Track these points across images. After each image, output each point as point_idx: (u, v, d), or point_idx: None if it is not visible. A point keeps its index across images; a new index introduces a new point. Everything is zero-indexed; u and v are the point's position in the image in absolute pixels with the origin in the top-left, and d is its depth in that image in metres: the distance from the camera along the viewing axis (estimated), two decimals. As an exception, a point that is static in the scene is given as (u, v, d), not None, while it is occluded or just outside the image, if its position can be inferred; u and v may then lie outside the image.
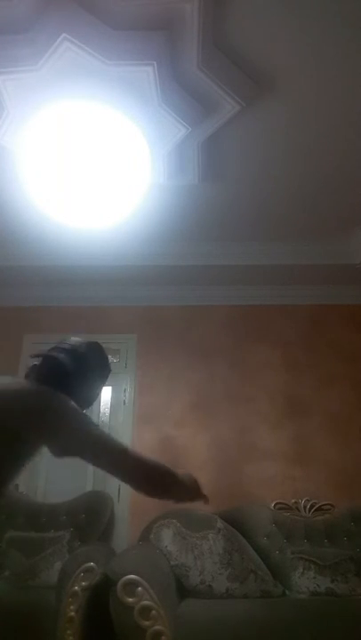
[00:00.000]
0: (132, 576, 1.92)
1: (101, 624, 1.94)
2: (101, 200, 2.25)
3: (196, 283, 3.71)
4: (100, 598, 1.96)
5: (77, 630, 1.94)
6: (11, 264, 3.47)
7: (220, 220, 3.16)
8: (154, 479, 1.38)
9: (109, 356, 3.81)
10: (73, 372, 1.47)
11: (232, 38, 1.91)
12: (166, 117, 2.20)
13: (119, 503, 3.12)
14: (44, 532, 2.78)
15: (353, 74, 2.06)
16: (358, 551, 2.63)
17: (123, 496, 3.16)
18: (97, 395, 1.56)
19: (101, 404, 3.51)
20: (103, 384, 1.59)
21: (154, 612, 1.86)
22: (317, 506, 2.99)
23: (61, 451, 1.33)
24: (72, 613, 1.97)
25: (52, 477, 3.25)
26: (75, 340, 1.64)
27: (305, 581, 2.44)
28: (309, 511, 2.98)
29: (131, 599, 1.87)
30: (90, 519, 2.86)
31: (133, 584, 1.90)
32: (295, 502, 3.02)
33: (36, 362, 1.49)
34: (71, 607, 1.98)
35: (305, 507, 3.00)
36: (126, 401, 3.51)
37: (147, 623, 1.83)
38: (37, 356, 1.50)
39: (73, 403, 1.34)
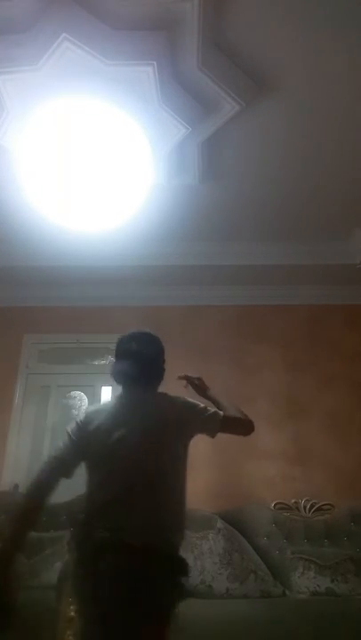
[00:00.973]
0: (132, 576, 1.91)
1: (101, 624, 1.94)
2: (102, 200, 2.25)
3: (196, 283, 3.71)
4: (100, 598, 1.95)
5: (77, 630, 1.94)
6: (11, 264, 3.47)
7: (220, 220, 3.16)
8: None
9: (109, 357, 3.81)
10: None
11: (232, 38, 1.91)
12: (166, 117, 2.20)
13: (119, 503, 3.12)
14: (44, 532, 2.77)
15: (353, 74, 2.07)
16: (358, 551, 2.63)
17: (123, 496, 3.15)
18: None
19: (101, 403, 3.51)
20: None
21: (154, 611, 1.85)
22: (317, 506, 2.99)
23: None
24: (72, 613, 1.97)
25: (52, 477, 3.24)
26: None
27: (305, 581, 2.44)
28: (309, 511, 2.98)
29: (131, 599, 1.87)
30: (90, 519, 2.86)
31: (133, 584, 1.90)
32: (295, 502, 3.02)
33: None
34: (71, 607, 1.98)
35: (305, 507, 2.99)
36: (126, 401, 3.50)
37: (147, 623, 1.82)
38: None
39: None
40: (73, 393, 3.56)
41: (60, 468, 1.61)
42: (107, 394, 3.54)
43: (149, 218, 3.04)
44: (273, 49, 1.96)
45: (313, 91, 2.15)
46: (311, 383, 3.50)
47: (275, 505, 2.97)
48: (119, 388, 1.70)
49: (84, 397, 3.54)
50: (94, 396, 3.53)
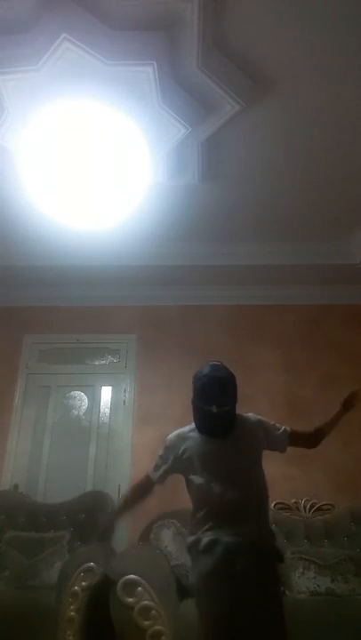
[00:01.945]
0: (132, 576, 1.92)
1: (101, 624, 1.94)
2: (101, 200, 2.25)
3: (196, 283, 3.71)
4: (100, 598, 1.96)
5: (77, 630, 1.94)
6: (11, 264, 3.47)
7: (220, 220, 3.16)
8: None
9: (109, 357, 3.81)
10: None
11: (232, 38, 1.91)
12: (166, 117, 2.20)
13: (119, 503, 3.12)
14: (44, 532, 2.78)
15: (353, 73, 2.06)
16: (358, 551, 2.63)
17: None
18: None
19: (101, 403, 3.51)
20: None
21: (154, 611, 1.86)
22: (317, 506, 2.99)
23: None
24: (72, 613, 1.97)
25: (51, 477, 3.25)
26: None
27: (305, 581, 2.43)
28: (309, 511, 2.98)
29: (131, 599, 1.87)
30: (90, 519, 2.86)
31: (133, 584, 1.90)
32: (295, 502, 3.02)
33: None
34: (71, 607, 1.98)
35: (305, 507, 3.00)
36: (126, 401, 3.51)
37: (147, 623, 1.83)
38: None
39: None
40: (73, 393, 3.56)
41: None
42: (106, 394, 3.54)
43: (149, 218, 3.04)
44: (273, 49, 1.96)
45: (313, 91, 2.15)
46: (311, 383, 3.50)
47: (275, 505, 2.96)
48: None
49: (84, 397, 3.54)
50: (94, 396, 3.53)
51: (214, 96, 2.13)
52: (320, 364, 3.55)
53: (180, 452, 1.79)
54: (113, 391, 3.56)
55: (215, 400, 1.72)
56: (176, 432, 1.88)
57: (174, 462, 1.80)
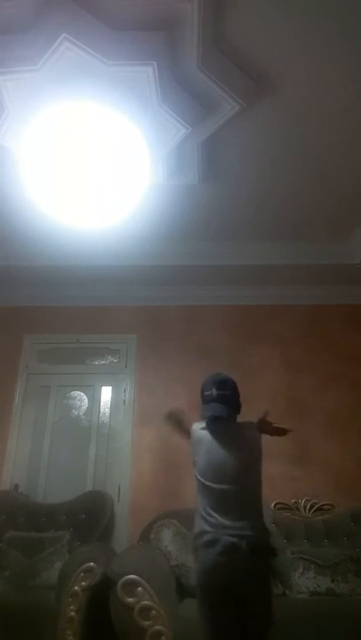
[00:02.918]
0: (132, 576, 1.92)
1: (101, 624, 1.94)
2: (101, 200, 2.25)
3: (196, 283, 3.71)
4: (100, 598, 1.96)
5: (77, 630, 1.94)
6: (11, 264, 3.47)
7: (219, 220, 3.16)
8: None
9: (109, 357, 3.82)
10: None
11: (232, 38, 1.91)
12: (166, 117, 2.20)
13: (119, 503, 3.12)
14: (44, 532, 2.78)
15: (353, 74, 2.06)
16: (358, 551, 2.63)
17: (123, 496, 3.16)
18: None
19: (101, 403, 3.51)
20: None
21: (154, 611, 1.86)
22: (317, 506, 2.99)
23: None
24: (72, 613, 1.97)
25: (52, 477, 3.25)
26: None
27: (305, 581, 2.44)
28: (309, 511, 2.98)
29: (131, 599, 1.87)
30: (90, 519, 2.86)
31: (133, 584, 1.90)
32: (295, 502, 3.02)
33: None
34: (71, 607, 1.98)
35: (305, 507, 3.00)
36: (126, 401, 3.51)
37: (147, 623, 1.83)
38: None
39: None
40: (73, 393, 3.56)
41: None
42: (106, 394, 3.55)
43: (149, 218, 3.04)
44: (273, 49, 1.96)
45: (313, 91, 2.15)
46: (311, 383, 3.50)
47: (275, 505, 2.97)
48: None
49: (84, 397, 3.54)
50: (94, 396, 3.54)
51: (214, 96, 2.13)
52: (320, 364, 3.55)
53: (192, 438, 1.98)
54: (113, 391, 3.56)
55: (216, 385, 1.94)
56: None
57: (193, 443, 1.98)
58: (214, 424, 1.91)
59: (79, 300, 3.83)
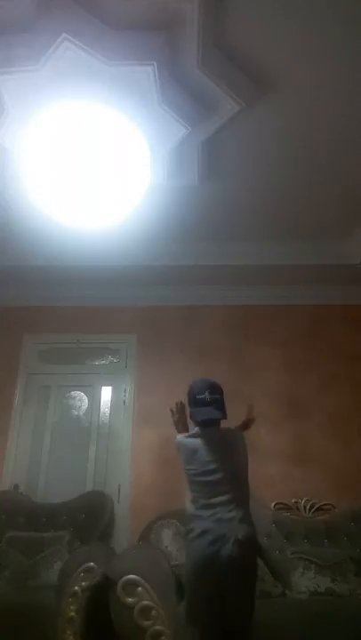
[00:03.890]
0: (132, 576, 1.92)
1: (101, 624, 1.94)
2: (101, 200, 2.25)
3: (196, 283, 3.71)
4: (100, 598, 1.96)
5: (77, 630, 1.94)
6: (11, 264, 3.47)
7: (219, 220, 3.16)
8: None
9: (109, 357, 3.82)
10: None
11: (232, 38, 1.91)
12: (166, 117, 2.20)
13: (119, 503, 3.12)
14: (44, 532, 2.78)
15: (353, 73, 2.06)
16: (358, 551, 2.63)
17: (123, 496, 3.16)
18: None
19: (101, 403, 3.51)
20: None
21: (154, 612, 1.86)
22: (317, 506, 3.00)
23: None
24: (72, 613, 1.97)
25: (51, 477, 3.25)
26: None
27: (305, 581, 2.44)
28: (309, 511, 2.98)
29: (131, 599, 1.87)
30: (90, 519, 2.86)
31: (133, 584, 1.90)
32: (295, 502, 3.02)
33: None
34: (71, 607, 1.98)
35: (305, 507, 3.00)
36: (126, 401, 3.51)
37: (147, 623, 1.83)
38: None
39: None
40: (73, 393, 3.56)
41: None
42: (106, 394, 3.55)
43: (149, 218, 3.04)
44: (273, 49, 1.96)
45: (313, 91, 2.15)
46: (311, 383, 3.50)
47: (275, 505, 2.97)
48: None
49: (84, 397, 3.54)
50: (94, 396, 3.54)
51: (214, 96, 2.13)
52: (320, 364, 3.56)
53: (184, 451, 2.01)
54: (113, 391, 3.56)
55: (209, 389, 1.99)
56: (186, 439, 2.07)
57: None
58: (208, 427, 1.97)
59: (79, 300, 3.83)
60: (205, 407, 1.95)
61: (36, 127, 2.07)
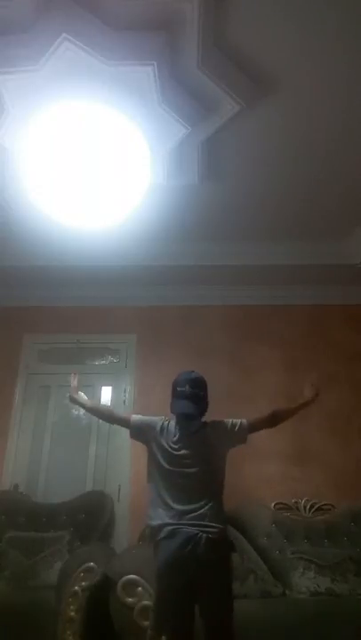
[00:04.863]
0: (132, 576, 1.92)
1: (101, 624, 1.94)
2: (101, 200, 2.25)
3: (196, 283, 3.71)
4: (100, 598, 1.96)
5: (77, 630, 1.94)
6: (11, 264, 3.47)
7: (219, 220, 3.16)
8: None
9: (109, 357, 3.81)
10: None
11: (232, 38, 1.91)
12: (166, 117, 2.20)
13: (119, 503, 3.12)
14: (44, 532, 2.78)
15: (353, 73, 2.06)
16: (358, 551, 2.64)
17: (123, 496, 3.16)
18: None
19: (101, 403, 3.51)
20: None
21: (154, 612, 1.86)
22: (317, 506, 3.00)
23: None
24: (72, 613, 1.97)
25: (51, 477, 3.25)
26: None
27: (305, 581, 2.44)
28: (309, 511, 2.98)
29: (131, 599, 1.87)
30: (90, 519, 2.86)
31: (133, 584, 1.91)
32: (295, 502, 3.02)
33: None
34: (71, 607, 1.98)
35: (305, 507, 3.00)
36: (126, 401, 3.51)
37: (147, 623, 1.83)
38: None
39: None
40: (73, 393, 3.55)
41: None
42: (106, 394, 3.54)
43: (149, 218, 3.04)
44: (273, 49, 1.96)
45: (313, 91, 2.15)
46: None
47: (275, 505, 2.97)
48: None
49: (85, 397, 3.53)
50: (94, 396, 3.53)
51: (214, 96, 2.13)
52: (320, 364, 3.55)
53: (158, 428, 1.99)
54: (113, 391, 3.56)
55: (189, 382, 2.00)
56: (158, 417, 2.08)
57: (148, 430, 2.01)
58: (184, 421, 1.95)
59: (79, 300, 3.82)
60: (183, 400, 1.95)
61: (36, 127, 2.07)
